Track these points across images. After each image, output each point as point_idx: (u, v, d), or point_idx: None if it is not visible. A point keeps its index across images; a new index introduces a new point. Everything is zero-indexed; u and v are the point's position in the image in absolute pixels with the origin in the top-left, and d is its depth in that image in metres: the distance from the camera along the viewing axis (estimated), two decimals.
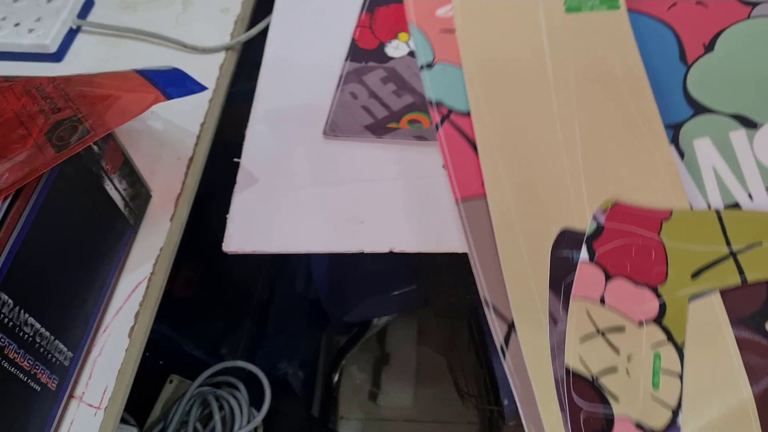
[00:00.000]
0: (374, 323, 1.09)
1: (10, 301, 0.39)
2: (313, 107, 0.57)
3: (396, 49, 0.60)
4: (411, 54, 0.59)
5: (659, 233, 0.46)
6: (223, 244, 0.51)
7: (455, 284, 0.81)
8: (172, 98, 0.45)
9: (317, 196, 0.52)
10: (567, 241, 0.46)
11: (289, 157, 0.55)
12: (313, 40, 0.62)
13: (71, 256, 0.46)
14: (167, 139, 0.59)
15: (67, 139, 0.42)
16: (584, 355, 0.42)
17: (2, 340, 0.39)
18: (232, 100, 0.64)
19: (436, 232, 0.49)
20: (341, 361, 1.15)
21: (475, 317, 0.86)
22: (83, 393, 0.46)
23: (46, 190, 0.42)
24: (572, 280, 0.45)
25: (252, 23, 0.69)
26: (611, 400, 0.41)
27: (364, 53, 0.60)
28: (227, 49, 0.65)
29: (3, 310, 0.39)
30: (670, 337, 0.43)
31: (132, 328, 0.49)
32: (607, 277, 0.44)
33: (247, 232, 0.51)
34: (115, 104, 0.44)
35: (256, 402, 0.75)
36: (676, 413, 0.41)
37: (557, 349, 0.43)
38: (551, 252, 0.46)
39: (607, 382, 0.42)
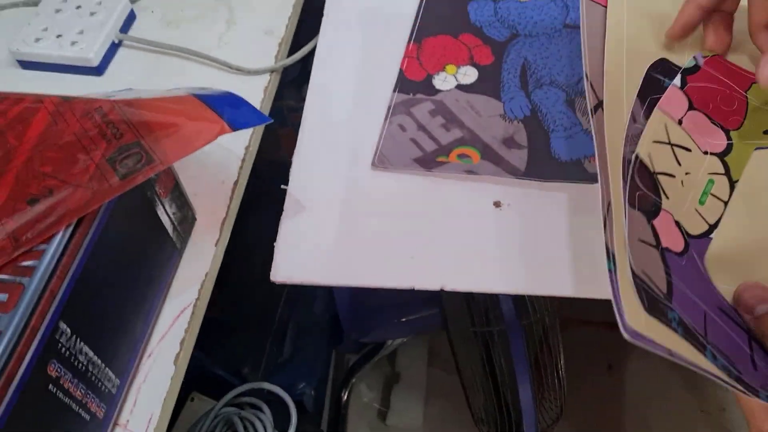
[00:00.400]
0: (388, 343, 1.09)
1: (68, 330, 0.38)
2: (360, 137, 0.57)
3: (444, 81, 0.59)
4: (459, 87, 0.59)
5: (747, 91, 0.51)
6: (271, 273, 0.50)
7: (477, 314, 0.80)
8: (237, 130, 0.44)
9: (366, 228, 0.52)
10: (663, 69, 0.51)
11: (337, 187, 0.54)
12: (360, 68, 0.62)
13: (124, 282, 0.45)
14: (211, 161, 0.58)
15: (131, 166, 0.42)
16: (652, 153, 0.46)
17: (59, 370, 0.38)
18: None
19: (486, 271, 0.49)
20: (351, 379, 1.14)
21: (491, 344, 0.86)
22: (128, 421, 0.45)
23: (106, 217, 0.41)
24: (659, 97, 0.49)
25: (294, 45, 0.68)
26: (662, 195, 0.45)
27: (412, 85, 0.59)
28: (272, 71, 0.64)
29: (61, 340, 0.38)
30: (727, 172, 0.48)
31: (177, 355, 0.48)
32: (690, 107, 0.49)
33: (295, 261, 0.51)
34: (179, 133, 0.43)
35: (276, 424, 0.74)
36: (711, 229, 0.46)
37: (631, 138, 0.47)
38: (647, 71, 0.51)
39: (663, 181, 0.46)
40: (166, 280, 0.50)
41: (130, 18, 0.69)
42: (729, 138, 0.49)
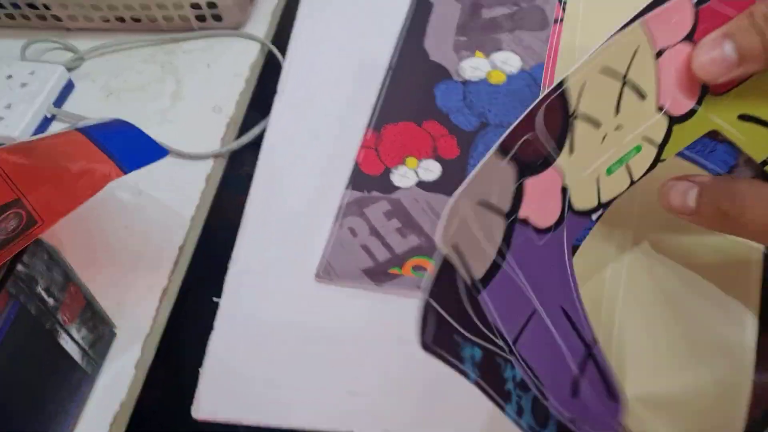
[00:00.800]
0: None
1: None
2: (306, 240, 0.51)
3: (403, 177, 0.54)
4: (419, 184, 0.54)
5: None
6: (192, 408, 0.45)
7: None
8: (130, 171, 0.40)
9: (304, 354, 0.46)
10: None
11: (276, 301, 0.49)
12: (312, 157, 0.56)
13: (16, 423, 0.39)
14: (140, 261, 0.52)
15: (9, 231, 0.37)
16: (588, 84, 0.32)
17: None
18: None
19: (436, 415, 0.43)
20: None
21: None
22: None
23: None
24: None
25: (244, 125, 0.63)
26: (565, 148, 0.33)
27: (368, 180, 0.54)
28: (216, 156, 0.59)
29: None
30: (663, 144, 0.35)
31: None
32: (688, 36, 0.34)
33: (222, 394, 0.45)
34: (63, 183, 0.39)
35: None
36: (599, 207, 0.35)
37: None
38: None
39: (579, 129, 0.33)
40: (73, 414, 0.44)
41: (68, 87, 0.64)
42: (699, 102, 0.35)
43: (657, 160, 0.35)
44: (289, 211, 0.53)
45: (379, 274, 0.49)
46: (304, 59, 0.63)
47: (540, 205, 0.33)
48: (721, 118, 0.35)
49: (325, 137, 0.57)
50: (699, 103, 0.34)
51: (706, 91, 0.34)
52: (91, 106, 0.63)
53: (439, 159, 0.55)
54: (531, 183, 0.32)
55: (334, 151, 0.56)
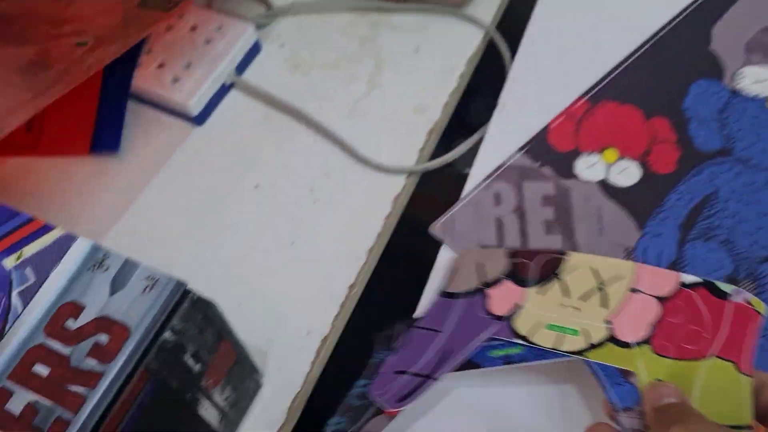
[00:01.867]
0: None
1: None
2: None
3: (590, 167, 0.64)
4: (602, 183, 0.63)
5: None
6: None
7: None
8: None
9: None
10: None
11: None
12: None
13: None
14: (303, 295, 0.63)
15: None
16: (578, 273, 0.58)
17: None
18: None
19: None
20: None
21: None
22: None
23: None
24: None
25: (448, 132, 0.73)
26: (539, 286, 0.59)
27: (548, 152, 0.65)
28: (409, 174, 0.69)
29: None
30: (593, 346, 0.55)
31: None
32: (661, 298, 0.56)
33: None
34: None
35: None
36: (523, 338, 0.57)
37: None
38: None
39: (555, 286, 0.58)
40: None
41: (254, 50, 0.81)
42: (639, 344, 0.54)
43: (581, 352, 0.56)
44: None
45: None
46: (537, 65, 0.74)
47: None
48: (645, 367, 0.54)
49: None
50: (638, 344, 0.55)
51: (648, 342, 0.56)
52: (275, 78, 0.78)
53: (644, 166, 0.64)
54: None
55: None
